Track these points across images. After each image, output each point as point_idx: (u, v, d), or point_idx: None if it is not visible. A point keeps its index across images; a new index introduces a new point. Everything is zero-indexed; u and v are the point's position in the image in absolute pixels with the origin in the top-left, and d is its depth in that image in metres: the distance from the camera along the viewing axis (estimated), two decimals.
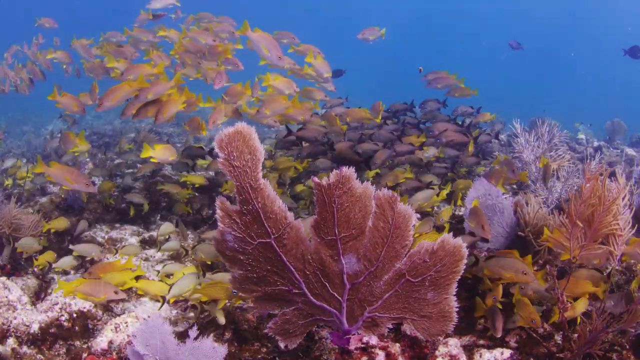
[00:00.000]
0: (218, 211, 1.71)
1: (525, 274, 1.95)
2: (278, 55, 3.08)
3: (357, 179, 1.65)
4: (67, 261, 2.86)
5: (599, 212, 1.80)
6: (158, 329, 1.69)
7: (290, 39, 3.70)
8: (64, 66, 4.52)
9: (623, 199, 1.84)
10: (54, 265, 2.89)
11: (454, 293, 1.71)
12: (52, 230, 3.23)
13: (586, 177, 1.83)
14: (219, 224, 1.73)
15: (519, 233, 2.45)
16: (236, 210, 1.70)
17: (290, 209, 1.75)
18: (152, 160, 2.98)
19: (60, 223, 3.26)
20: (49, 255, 2.90)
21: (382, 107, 3.80)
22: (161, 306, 2.47)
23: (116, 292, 2.11)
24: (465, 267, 1.70)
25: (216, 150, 1.64)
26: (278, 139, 3.94)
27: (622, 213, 1.86)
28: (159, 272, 2.91)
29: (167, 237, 3.29)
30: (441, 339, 1.83)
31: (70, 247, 2.94)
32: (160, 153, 2.95)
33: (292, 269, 1.74)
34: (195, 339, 1.72)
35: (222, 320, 2.17)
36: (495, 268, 2.01)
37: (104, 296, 2.09)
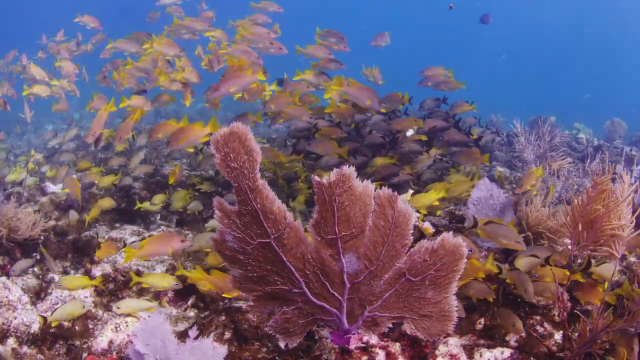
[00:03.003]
0: (216, 212, 1.70)
1: (518, 242, 2.12)
2: (378, 101, 3.36)
3: (357, 177, 1.65)
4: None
5: (602, 214, 1.79)
6: (158, 328, 1.70)
7: (338, 38, 3.77)
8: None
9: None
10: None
11: (454, 292, 1.71)
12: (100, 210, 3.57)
13: (594, 181, 1.82)
14: (218, 224, 1.72)
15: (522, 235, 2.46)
16: (235, 210, 1.69)
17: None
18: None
19: (107, 202, 3.61)
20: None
21: (401, 95, 3.89)
22: None
23: (182, 241, 2.26)
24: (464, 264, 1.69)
25: (213, 151, 1.64)
26: (291, 129, 4.02)
27: (625, 213, 1.84)
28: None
29: (195, 213, 3.59)
30: (441, 338, 1.82)
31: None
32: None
33: (292, 268, 1.74)
34: (196, 338, 1.72)
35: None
36: (492, 234, 2.16)
37: (171, 249, 2.25)
